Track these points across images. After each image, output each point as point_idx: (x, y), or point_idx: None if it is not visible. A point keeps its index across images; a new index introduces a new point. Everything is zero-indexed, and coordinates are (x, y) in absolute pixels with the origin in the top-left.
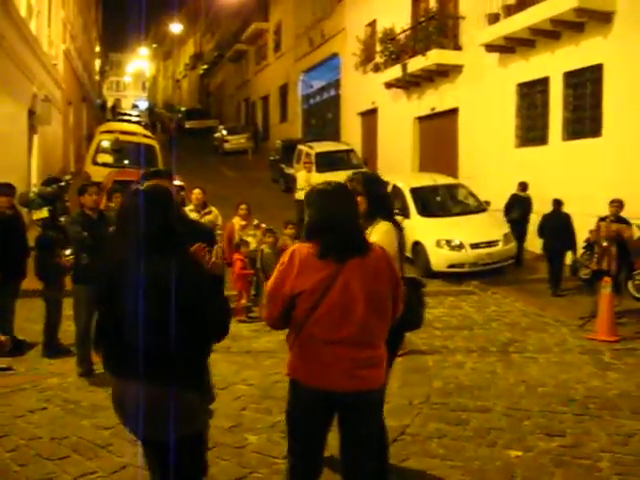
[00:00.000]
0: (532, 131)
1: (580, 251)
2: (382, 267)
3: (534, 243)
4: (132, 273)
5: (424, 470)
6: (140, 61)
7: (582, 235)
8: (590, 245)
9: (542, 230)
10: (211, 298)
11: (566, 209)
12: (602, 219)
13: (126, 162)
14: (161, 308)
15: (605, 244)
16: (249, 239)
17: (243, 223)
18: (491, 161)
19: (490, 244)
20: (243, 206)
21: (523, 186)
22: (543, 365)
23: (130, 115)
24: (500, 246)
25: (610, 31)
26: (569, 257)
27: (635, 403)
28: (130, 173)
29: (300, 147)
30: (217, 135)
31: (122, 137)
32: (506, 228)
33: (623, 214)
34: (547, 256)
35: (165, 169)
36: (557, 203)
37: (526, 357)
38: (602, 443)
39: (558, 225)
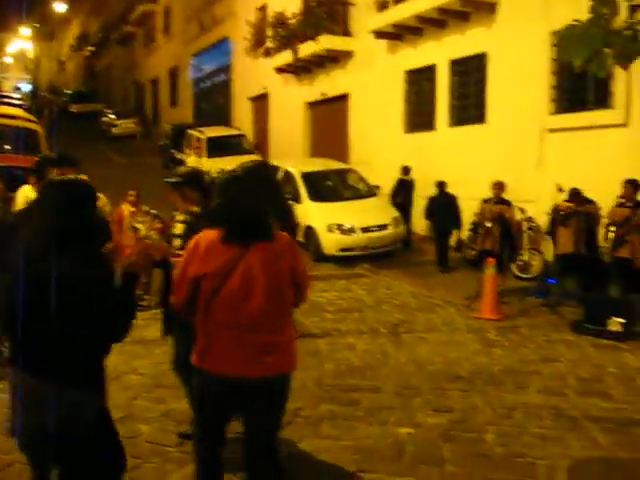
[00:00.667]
0: (420, 117)
1: (466, 233)
2: (285, 254)
3: (419, 225)
4: (43, 267)
5: (316, 451)
6: (22, 41)
7: (468, 217)
8: (476, 226)
9: (430, 212)
10: (119, 297)
11: (454, 192)
12: (486, 201)
13: (7, 147)
14: (67, 304)
15: (489, 225)
16: (139, 226)
17: (132, 209)
18: (381, 146)
19: (380, 228)
20: (132, 192)
21: (406, 170)
22: (432, 344)
23: (11, 98)
24: (390, 229)
25: (494, 21)
26: (455, 236)
27: (517, 378)
28: (10, 159)
29: (190, 132)
30: (104, 119)
31: (1, 120)
32: (395, 212)
33: (506, 197)
34: (435, 237)
35: (71, 156)
36: (440, 185)
37: (416, 337)
38: (487, 416)
39: (444, 206)
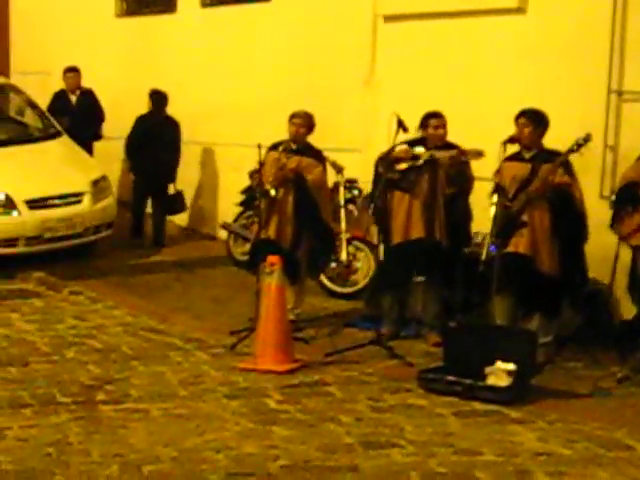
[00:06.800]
0: None
1: (233, 209)
2: None
3: None
4: None
5: None
6: None
7: (239, 179)
8: (252, 196)
9: (132, 145)
10: None
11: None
12: (273, 147)
13: None
14: None
15: (273, 193)
16: None
17: None
18: (74, 43)
19: (66, 200)
20: None
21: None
22: (157, 423)
23: None
24: (86, 204)
25: None
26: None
27: (317, 477)
28: None
29: None
30: None
31: None
32: (98, 170)
33: (311, 141)
34: (136, 187)
35: None
36: (158, 98)
37: (126, 410)
38: None
39: (160, 136)
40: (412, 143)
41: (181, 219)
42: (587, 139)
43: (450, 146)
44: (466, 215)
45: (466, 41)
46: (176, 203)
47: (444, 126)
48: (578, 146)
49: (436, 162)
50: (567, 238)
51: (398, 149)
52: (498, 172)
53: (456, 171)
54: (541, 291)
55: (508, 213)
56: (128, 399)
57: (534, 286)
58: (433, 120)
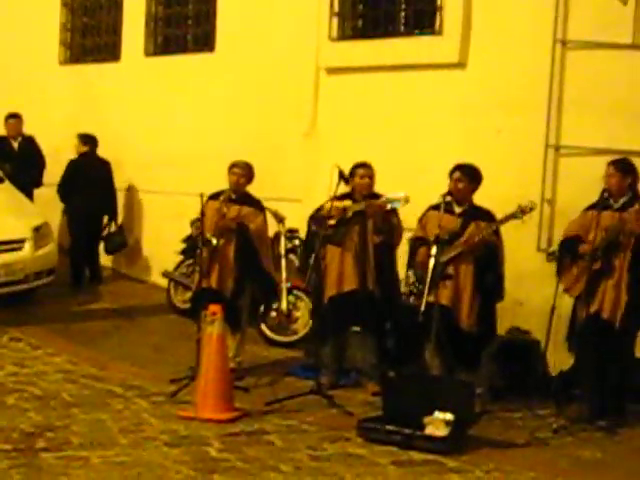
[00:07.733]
0: (93, 37)
1: (173, 258)
2: None
3: None
4: None
5: None
6: None
7: (179, 227)
8: (193, 245)
9: (65, 188)
10: None
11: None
12: (212, 197)
13: None
14: None
15: (214, 242)
16: None
17: None
18: (16, 90)
19: (7, 247)
20: None
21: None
22: (97, 470)
23: None
24: (27, 250)
25: None
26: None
27: None
28: None
29: None
30: None
31: None
32: (40, 217)
33: (252, 190)
34: (73, 229)
35: None
36: (88, 140)
37: (67, 458)
38: None
39: (95, 177)
40: (340, 197)
41: (111, 260)
42: (532, 208)
43: (377, 196)
44: (392, 264)
45: (407, 94)
46: (117, 240)
47: (371, 177)
48: (522, 213)
49: (364, 213)
50: (484, 296)
51: (327, 207)
52: (422, 220)
53: (383, 220)
54: (458, 343)
55: (435, 263)
56: (69, 447)
57: (452, 338)
58: (360, 170)
